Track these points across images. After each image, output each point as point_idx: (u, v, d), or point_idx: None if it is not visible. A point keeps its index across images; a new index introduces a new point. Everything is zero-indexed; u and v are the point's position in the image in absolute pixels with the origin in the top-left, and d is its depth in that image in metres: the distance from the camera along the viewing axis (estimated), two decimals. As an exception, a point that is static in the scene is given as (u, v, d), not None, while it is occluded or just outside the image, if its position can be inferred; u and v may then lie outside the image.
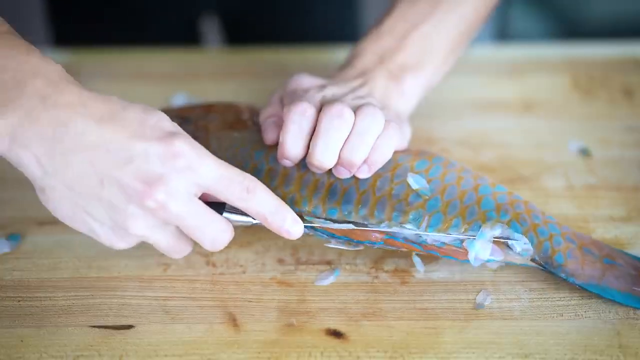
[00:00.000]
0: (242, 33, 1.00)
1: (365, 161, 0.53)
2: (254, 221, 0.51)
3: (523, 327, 0.51)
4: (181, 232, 0.50)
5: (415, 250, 0.53)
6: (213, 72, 0.82)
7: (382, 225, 0.53)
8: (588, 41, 0.88)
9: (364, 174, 0.54)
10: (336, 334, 0.51)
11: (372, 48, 0.62)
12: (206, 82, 0.80)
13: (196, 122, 0.60)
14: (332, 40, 0.88)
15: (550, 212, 0.60)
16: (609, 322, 0.51)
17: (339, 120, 0.52)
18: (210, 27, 1.03)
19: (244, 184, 0.48)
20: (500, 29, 1.45)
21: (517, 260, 0.53)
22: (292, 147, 0.53)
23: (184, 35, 1.00)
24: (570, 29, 1.43)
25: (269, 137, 0.56)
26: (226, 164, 0.49)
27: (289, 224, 0.50)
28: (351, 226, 0.53)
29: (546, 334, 0.50)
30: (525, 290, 0.54)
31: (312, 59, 0.82)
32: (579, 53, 0.84)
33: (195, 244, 0.51)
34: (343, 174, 0.54)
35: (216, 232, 0.49)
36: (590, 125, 0.72)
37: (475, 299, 0.53)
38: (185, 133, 0.48)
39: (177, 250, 0.50)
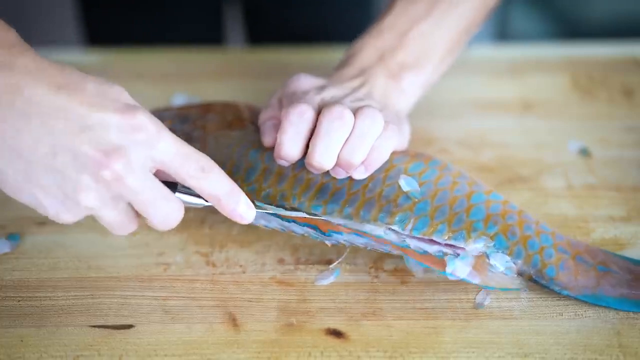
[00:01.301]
0: (264, 25, 1.01)
1: (362, 162, 0.53)
2: (206, 203, 0.50)
3: (523, 327, 0.51)
4: (129, 209, 0.48)
5: (381, 250, 0.53)
6: (213, 72, 0.82)
7: (349, 222, 0.53)
8: (588, 41, 0.88)
9: (360, 175, 0.54)
10: (336, 333, 0.51)
11: (371, 45, 0.62)
12: (206, 82, 0.80)
13: (195, 121, 0.61)
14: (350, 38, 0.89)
15: (549, 212, 0.61)
16: (609, 322, 0.51)
17: (339, 122, 0.52)
18: (233, 16, 1.04)
19: (200, 163, 0.47)
20: (500, 29, 1.45)
21: (497, 284, 0.52)
22: (289, 148, 0.53)
23: (208, 26, 1.00)
24: (570, 29, 1.43)
25: (267, 140, 0.56)
26: (184, 142, 0.47)
27: (242, 208, 0.49)
28: (303, 214, 0.53)
29: (546, 333, 0.50)
30: (525, 290, 0.54)
31: (313, 59, 0.82)
32: (579, 53, 0.84)
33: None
34: (340, 174, 0.54)
35: (169, 210, 0.48)
36: (590, 125, 0.72)
37: (475, 299, 0.53)
38: (144, 108, 0.47)
39: (123, 226, 0.48)
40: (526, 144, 0.69)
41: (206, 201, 0.50)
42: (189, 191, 0.50)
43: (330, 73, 0.62)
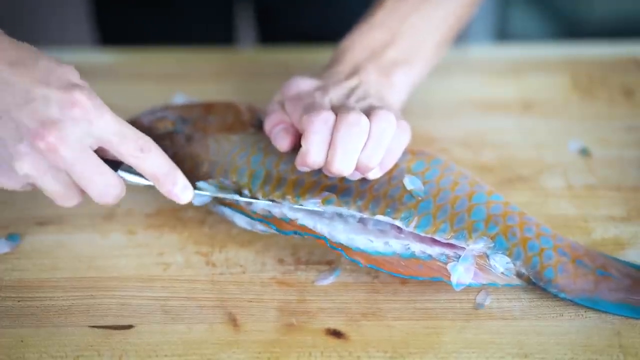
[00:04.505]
0: (276, 26, 1.01)
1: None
2: (147, 182, 0.53)
3: (523, 327, 0.51)
4: (71, 182, 0.51)
5: (337, 253, 0.54)
6: (213, 72, 0.82)
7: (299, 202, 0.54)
8: (588, 41, 0.88)
9: (375, 175, 0.54)
10: (336, 334, 0.51)
11: (362, 42, 0.63)
12: (206, 82, 0.80)
13: (195, 122, 0.61)
14: None
15: (549, 212, 0.61)
16: (609, 322, 0.51)
17: (357, 129, 0.52)
18: (245, 18, 1.04)
19: (139, 143, 0.51)
20: (500, 29, 1.45)
21: (500, 280, 0.52)
22: (316, 155, 0.53)
23: (219, 27, 1.01)
24: (570, 29, 1.43)
25: (282, 144, 0.55)
26: (124, 122, 0.51)
27: (179, 189, 0.53)
28: (249, 200, 0.55)
29: (546, 333, 0.50)
30: (525, 290, 0.54)
31: (312, 59, 0.82)
32: (579, 53, 0.84)
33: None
34: (356, 176, 0.54)
35: (105, 185, 0.51)
36: (590, 125, 0.72)
37: (475, 299, 0.53)
38: (89, 88, 0.50)
39: (65, 197, 0.52)
40: (526, 144, 0.69)
41: (148, 180, 0.53)
42: (131, 170, 0.53)
43: (322, 70, 0.62)
